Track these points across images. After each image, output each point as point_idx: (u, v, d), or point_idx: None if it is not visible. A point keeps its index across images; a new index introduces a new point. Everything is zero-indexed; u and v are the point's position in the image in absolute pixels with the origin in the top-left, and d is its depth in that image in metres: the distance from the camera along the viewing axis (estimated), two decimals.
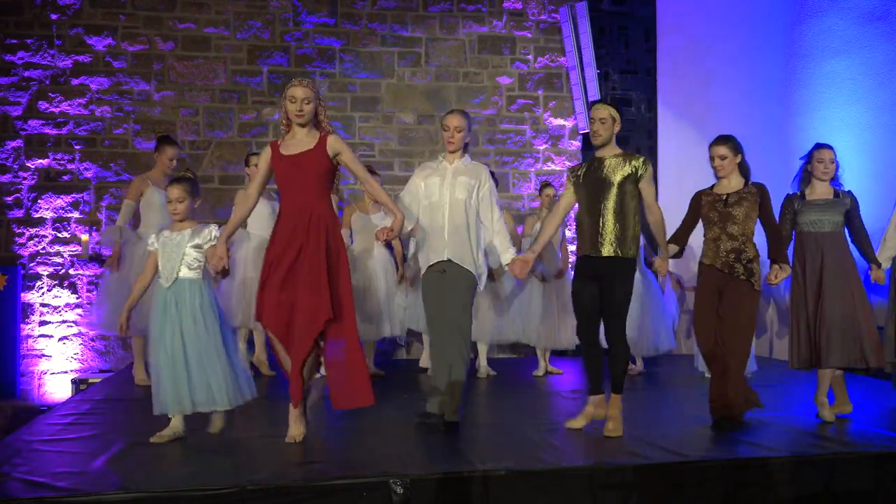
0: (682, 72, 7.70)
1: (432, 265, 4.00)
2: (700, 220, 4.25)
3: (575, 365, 6.24)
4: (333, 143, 3.62)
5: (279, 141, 3.68)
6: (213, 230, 3.68)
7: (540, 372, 5.90)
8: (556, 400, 5.01)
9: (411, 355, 7.09)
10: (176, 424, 3.67)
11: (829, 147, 4.32)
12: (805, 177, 4.37)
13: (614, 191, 3.83)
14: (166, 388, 3.56)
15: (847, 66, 6.30)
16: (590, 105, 4.02)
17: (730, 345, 4.03)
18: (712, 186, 4.27)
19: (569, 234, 6.70)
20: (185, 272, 3.61)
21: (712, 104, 7.50)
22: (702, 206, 4.22)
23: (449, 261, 3.94)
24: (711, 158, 4.24)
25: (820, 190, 4.30)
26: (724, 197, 4.13)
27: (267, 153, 3.68)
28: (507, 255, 4.09)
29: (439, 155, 4.20)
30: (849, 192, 4.33)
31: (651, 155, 7.87)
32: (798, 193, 4.36)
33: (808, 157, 4.36)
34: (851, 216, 4.28)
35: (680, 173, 7.66)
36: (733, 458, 3.36)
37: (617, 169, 3.86)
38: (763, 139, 7.01)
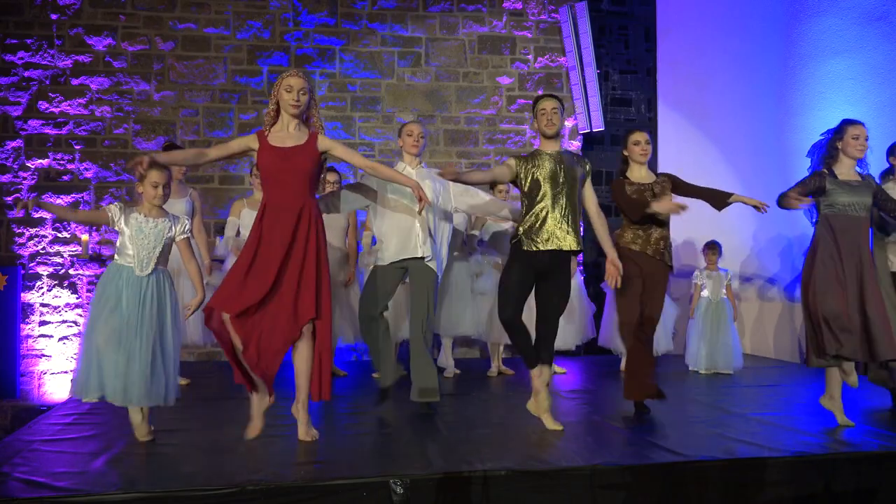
0: (682, 72, 7.71)
1: (396, 262, 4.23)
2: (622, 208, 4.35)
3: (576, 365, 6.24)
4: (323, 140, 3.60)
5: (265, 131, 3.59)
6: (186, 222, 3.67)
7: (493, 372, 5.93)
8: (556, 400, 5.01)
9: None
10: (142, 427, 3.66)
11: (862, 123, 4.06)
12: (833, 153, 4.06)
13: (577, 187, 3.93)
14: (107, 372, 3.42)
15: (847, 67, 6.30)
16: (537, 99, 4.01)
17: (650, 331, 4.29)
18: (626, 176, 4.39)
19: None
20: (161, 262, 3.59)
21: (712, 104, 7.51)
22: (628, 194, 4.30)
23: (420, 258, 4.22)
24: (636, 143, 4.34)
25: (848, 170, 4.04)
26: (650, 186, 4.30)
27: (252, 139, 3.59)
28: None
29: (398, 160, 4.44)
30: (871, 174, 4.13)
31: (651, 155, 7.87)
32: (825, 171, 4.06)
33: (840, 132, 4.05)
34: (881, 199, 4.07)
35: (680, 173, 7.65)
36: (733, 458, 3.36)
37: (575, 166, 3.94)
38: (762, 139, 7.02)
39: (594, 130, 7.34)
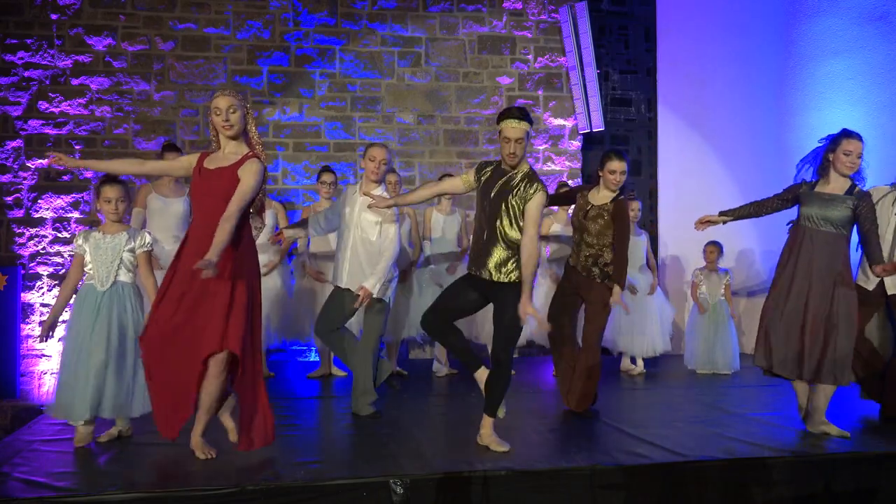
0: (682, 72, 7.71)
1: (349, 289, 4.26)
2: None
3: None
4: (245, 167, 3.27)
5: (208, 152, 3.43)
6: (146, 236, 3.69)
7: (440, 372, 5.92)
8: (557, 400, 5.01)
9: (424, 356, 7.10)
10: (84, 431, 3.60)
11: (860, 137, 3.83)
12: (824, 164, 3.90)
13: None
14: (82, 392, 3.47)
15: (846, 67, 6.30)
16: (500, 117, 3.61)
17: (595, 345, 4.43)
18: (588, 193, 4.47)
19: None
20: (122, 275, 3.64)
21: (712, 104, 7.51)
22: (576, 206, 4.49)
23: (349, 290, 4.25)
24: (612, 172, 4.30)
25: (834, 183, 3.86)
26: (589, 210, 4.38)
27: (194, 157, 3.41)
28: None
29: (357, 184, 4.41)
30: (866, 192, 3.88)
31: (651, 155, 7.89)
32: (804, 181, 3.99)
33: (835, 143, 3.85)
34: (861, 217, 3.81)
35: (680, 173, 7.67)
36: (733, 458, 3.36)
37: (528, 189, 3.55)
38: (762, 139, 7.03)
39: (594, 130, 7.34)
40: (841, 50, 6.35)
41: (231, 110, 3.30)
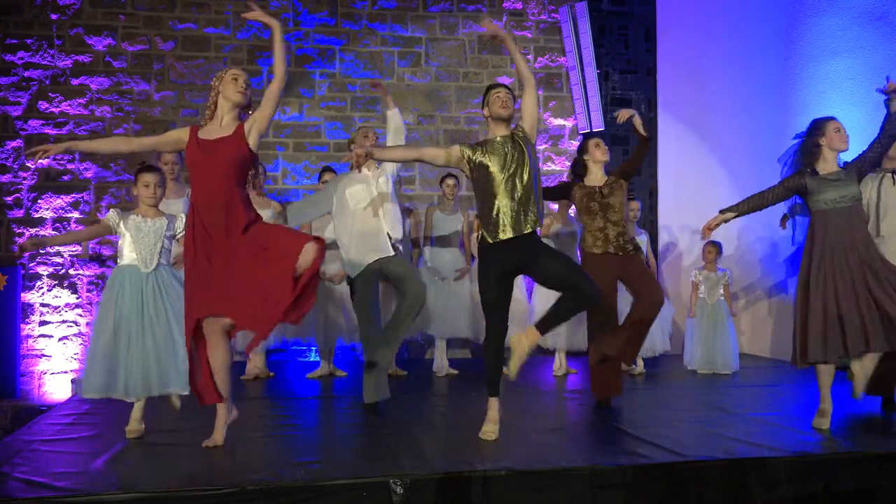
0: (682, 72, 7.71)
1: (371, 265, 4.31)
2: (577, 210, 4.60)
3: (578, 365, 6.23)
4: (247, 123, 3.46)
5: (199, 125, 3.50)
6: (183, 220, 3.78)
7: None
8: (557, 400, 5.01)
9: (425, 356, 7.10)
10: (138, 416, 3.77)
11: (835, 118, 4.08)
12: (814, 151, 4.01)
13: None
14: (112, 370, 3.59)
15: (847, 67, 6.30)
16: (491, 86, 4.01)
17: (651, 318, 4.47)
18: (583, 180, 4.59)
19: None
20: (163, 258, 3.75)
21: (712, 104, 7.51)
22: (578, 198, 4.54)
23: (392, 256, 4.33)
24: (597, 146, 4.57)
25: (831, 165, 3.99)
26: (599, 189, 4.49)
27: (184, 131, 3.47)
28: None
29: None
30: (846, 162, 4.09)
31: (651, 155, 7.88)
32: (805, 170, 4.03)
33: (818, 129, 4.02)
34: (867, 162, 3.97)
35: (679, 173, 7.67)
36: (733, 458, 3.36)
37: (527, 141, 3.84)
38: (762, 139, 7.02)
39: (594, 130, 7.33)
40: (841, 50, 6.35)
41: (247, 83, 3.46)
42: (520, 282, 5.98)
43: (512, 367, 3.64)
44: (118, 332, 3.61)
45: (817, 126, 4.04)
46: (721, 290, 6.08)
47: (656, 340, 6.01)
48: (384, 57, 7.38)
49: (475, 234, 5.65)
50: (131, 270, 3.69)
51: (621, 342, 4.44)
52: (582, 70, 7.41)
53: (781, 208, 5.31)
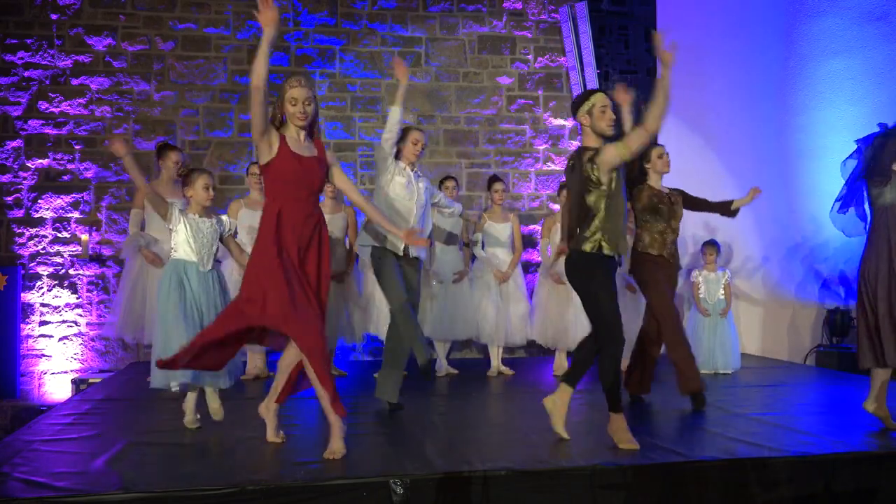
0: (681, 72, 7.68)
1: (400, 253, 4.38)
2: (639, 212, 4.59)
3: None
4: (330, 157, 3.50)
5: (283, 133, 3.35)
6: (229, 223, 3.96)
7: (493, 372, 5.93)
8: None
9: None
10: (192, 406, 3.92)
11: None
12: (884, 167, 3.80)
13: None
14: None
15: (846, 67, 6.30)
16: (585, 95, 3.67)
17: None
18: (646, 182, 4.60)
19: None
20: (215, 259, 3.90)
21: (712, 104, 7.50)
22: (646, 197, 4.54)
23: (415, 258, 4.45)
24: (661, 156, 4.60)
25: None
26: (668, 194, 4.60)
27: (275, 135, 3.31)
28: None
29: (395, 160, 4.48)
30: None
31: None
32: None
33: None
34: None
35: (679, 173, 7.65)
36: (733, 458, 3.35)
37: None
38: (762, 139, 7.02)
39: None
40: (841, 50, 6.34)
41: (307, 102, 3.31)
42: (520, 281, 5.98)
43: (558, 428, 3.68)
44: (188, 318, 3.71)
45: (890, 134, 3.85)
46: (721, 290, 6.08)
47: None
48: (384, 57, 7.38)
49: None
50: (190, 266, 3.80)
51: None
52: (582, 70, 7.41)
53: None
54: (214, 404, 3.90)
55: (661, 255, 4.49)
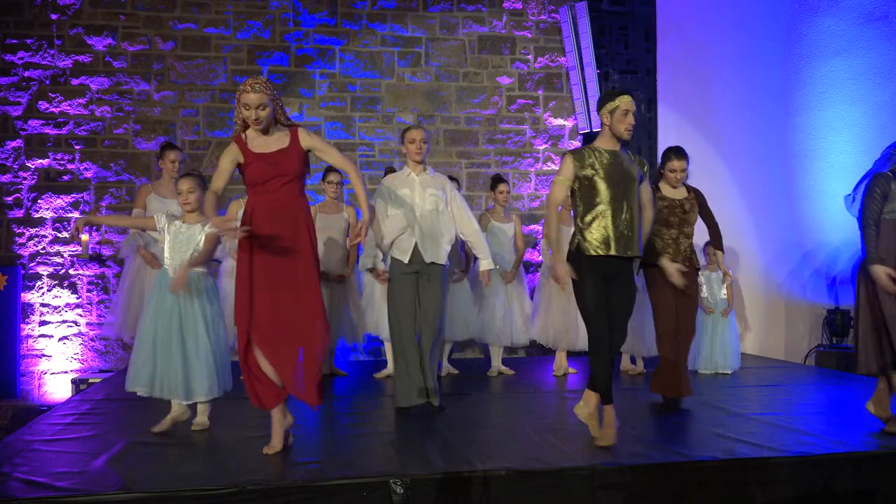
0: (682, 72, 7.71)
1: (406, 267, 4.32)
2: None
3: (579, 364, 6.23)
4: (304, 137, 3.43)
5: (241, 137, 3.38)
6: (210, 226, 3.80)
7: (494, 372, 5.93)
8: (557, 400, 5.01)
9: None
10: (177, 409, 3.84)
11: None
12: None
13: (635, 187, 3.61)
14: (156, 369, 3.69)
15: (847, 67, 6.30)
16: (612, 95, 3.61)
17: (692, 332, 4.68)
18: (658, 190, 4.61)
19: None
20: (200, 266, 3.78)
21: (712, 104, 7.51)
22: (658, 209, 4.52)
23: (430, 263, 4.32)
24: (673, 171, 4.58)
25: None
26: (681, 202, 4.60)
27: (234, 150, 3.37)
28: (484, 262, 4.60)
29: (404, 166, 4.51)
30: None
31: (651, 155, 7.88)
32: (888, 172, 3.80)
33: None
34: None
35: None
36: (733, 458, 3.35)
37: (632, 166, 3.64)
38: (762, 139, 7.02)
39: (594, 130, 7.33)
40: (841, 50, 6.34)
41: (261, 108, 3.28)
42: (522, 281, 5.97)
43: (596, 434, 3.63)
44: (159, 332, 3.68)
45: None
46: (723, 290, 6.08)
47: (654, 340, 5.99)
48: (384, 57, 7.38)
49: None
50: (163, 274, 3.79)
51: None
52: (582, 70, 7.41)
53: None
54: (202, 417, 3.90)
55: (675, 260, 4.52)
